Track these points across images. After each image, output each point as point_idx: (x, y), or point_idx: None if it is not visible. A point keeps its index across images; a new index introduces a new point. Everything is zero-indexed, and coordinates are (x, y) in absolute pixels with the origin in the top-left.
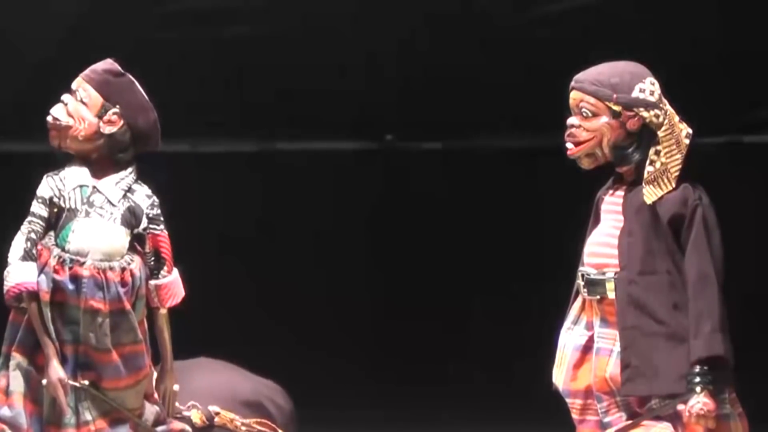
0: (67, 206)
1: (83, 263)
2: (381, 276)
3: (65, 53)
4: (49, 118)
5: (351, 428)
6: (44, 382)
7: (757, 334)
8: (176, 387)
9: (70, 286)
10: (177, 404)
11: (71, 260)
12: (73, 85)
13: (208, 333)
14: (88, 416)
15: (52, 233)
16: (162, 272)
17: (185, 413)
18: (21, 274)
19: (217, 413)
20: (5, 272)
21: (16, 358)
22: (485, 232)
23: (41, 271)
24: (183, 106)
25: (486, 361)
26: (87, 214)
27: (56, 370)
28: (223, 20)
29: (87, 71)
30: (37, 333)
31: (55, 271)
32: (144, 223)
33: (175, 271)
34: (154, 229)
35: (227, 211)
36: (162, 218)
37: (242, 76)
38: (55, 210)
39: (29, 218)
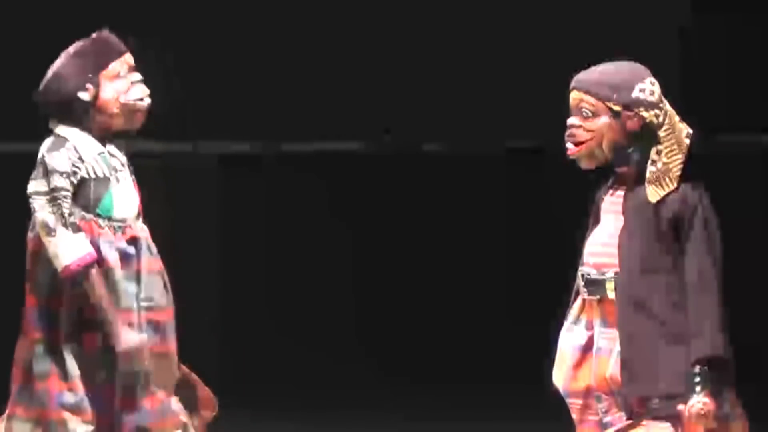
0: (93, 175)
1: (131, 227)
2: (380, 276)
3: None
4: (148, 102)
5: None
6: (120, 350)
7: (757, 334)
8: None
9: (131, 252)
10: None
11: (120, 227)
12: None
13: (207, 332)
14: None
15: (77, 208)
16: None
17: None
18: (78, 247)
19: None
20: (54, 253)
21: (67, 341)
22: (484, 231)
23: (97, 242)
24: (183, 106)
25: (486, 361)
26: (117, 180)
27: (130, 337)
28: (223, 20)
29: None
30: (95, 308)
31: (112, 240)
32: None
33: None
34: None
35: (226, 211)
36: None
37: (242, 77)
38: (76, 182)
39: (53, 194)
